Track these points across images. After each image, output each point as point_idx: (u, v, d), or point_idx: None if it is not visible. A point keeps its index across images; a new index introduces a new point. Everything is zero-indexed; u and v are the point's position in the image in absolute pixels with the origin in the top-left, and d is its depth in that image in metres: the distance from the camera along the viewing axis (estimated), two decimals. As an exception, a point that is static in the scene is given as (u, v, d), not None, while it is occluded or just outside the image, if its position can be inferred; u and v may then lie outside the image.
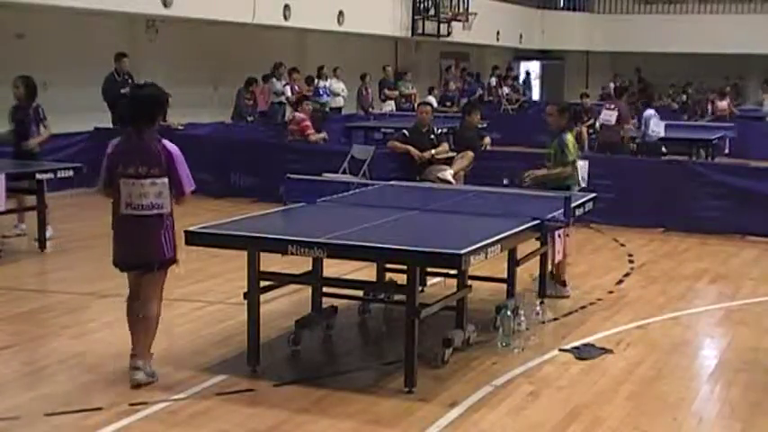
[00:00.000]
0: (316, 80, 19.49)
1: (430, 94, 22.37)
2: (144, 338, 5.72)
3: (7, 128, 10.16)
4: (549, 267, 7.87)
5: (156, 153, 5.57)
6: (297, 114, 13.43)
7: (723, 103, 21.71)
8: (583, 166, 8.16)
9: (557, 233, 7.23)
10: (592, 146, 16.93)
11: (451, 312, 6.36)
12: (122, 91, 14.51)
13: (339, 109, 20.48)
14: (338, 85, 20.45)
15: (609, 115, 15.11)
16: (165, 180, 5.57)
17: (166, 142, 5.67)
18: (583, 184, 8.14)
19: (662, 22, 29.47)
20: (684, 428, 5.32)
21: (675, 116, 21.74)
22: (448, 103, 21.51)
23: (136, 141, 5.60)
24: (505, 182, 9.58)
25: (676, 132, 17.14)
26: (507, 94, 26.04)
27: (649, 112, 15.13)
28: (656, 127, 15.05)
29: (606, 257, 9.86)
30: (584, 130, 17.79)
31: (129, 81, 14.70)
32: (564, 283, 8.13)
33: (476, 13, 24.21)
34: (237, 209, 6.50)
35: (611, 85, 26.55)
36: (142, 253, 5.63)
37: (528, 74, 30.84)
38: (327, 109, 19.13)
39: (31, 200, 9.82)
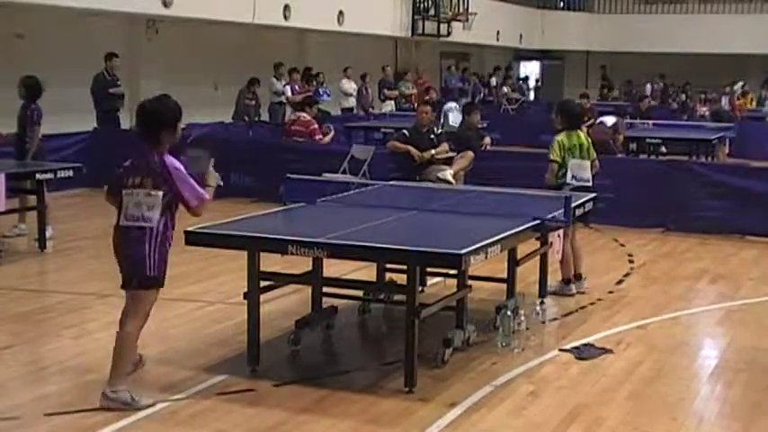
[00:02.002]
0: (314, 82, 19.45)
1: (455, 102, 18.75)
2: (114, 357, 5.29)
3: (13, 129, 10.25)
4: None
5: (155, 165, 5.23)
6: (302, 115, 13.05)
7: (703, 109, 21.83)
8: (577, 165, 8.13)
9: (556, 233, 7.23)
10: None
11: (451, 312, 6.36)
12: (111, 91, 14.48)
13: (351, 109, 20.29)
14: (349, 85, 20.25)
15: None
16: (160, 193, 5.20)
17: (170, 158, 5.28)
18: (581, 184, 8.11)
19: (662, 22, 29.47)
20: (684, 428, 5.31)
21: (675, 116, 21.73)
22: None
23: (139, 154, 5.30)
24: None
25: (676, 132, 17.17)
26: (507, 94, 26.04)
27: (450, 105, 15.18)
28: (456, 120, 15.05)
29: (606, 257, 9.85)
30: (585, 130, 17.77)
31: (118, 82, 14.65)
32: (567, 281, 8.15)
33: (476, 13, 24.22)
34: (237, 209, 6.48)
35: (647, 87, 26.29)
36: (124, 265, 5.32)
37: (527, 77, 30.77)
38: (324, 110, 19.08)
39: (31, 200, 9.83)
